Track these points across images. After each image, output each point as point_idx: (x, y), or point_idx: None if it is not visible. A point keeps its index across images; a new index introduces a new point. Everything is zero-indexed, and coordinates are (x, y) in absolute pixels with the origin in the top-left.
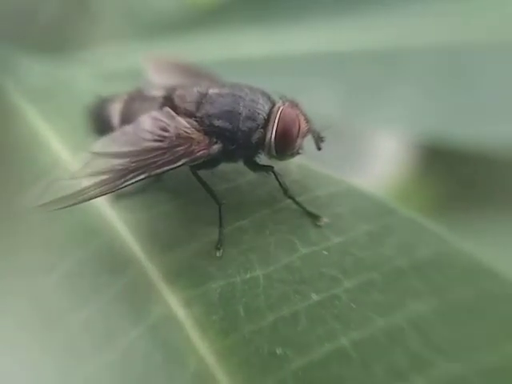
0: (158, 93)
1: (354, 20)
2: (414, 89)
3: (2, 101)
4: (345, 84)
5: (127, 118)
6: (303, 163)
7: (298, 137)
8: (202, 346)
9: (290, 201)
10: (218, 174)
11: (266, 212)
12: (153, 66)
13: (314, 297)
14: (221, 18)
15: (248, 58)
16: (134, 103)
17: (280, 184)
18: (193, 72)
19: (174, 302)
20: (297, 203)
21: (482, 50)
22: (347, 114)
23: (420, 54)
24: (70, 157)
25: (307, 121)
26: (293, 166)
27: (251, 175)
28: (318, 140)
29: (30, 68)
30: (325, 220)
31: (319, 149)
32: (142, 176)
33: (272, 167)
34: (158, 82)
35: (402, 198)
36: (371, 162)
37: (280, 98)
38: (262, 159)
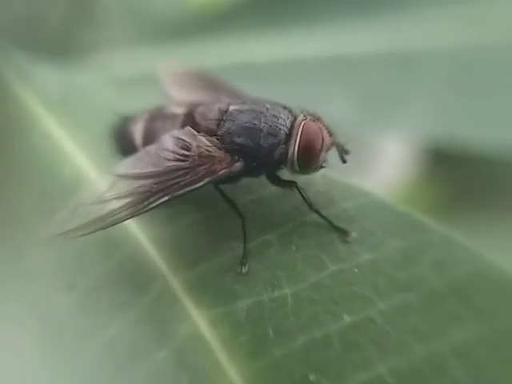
0: (179, 110)
1: (368, 23)
2: (424, 93)
3: (20, 110)
4: (357, 89)
5: (150, 138)
6: (327, 174)
7: (321, 151)
8: (230, 369)
9: (315, 214)
10: (240, 185)
11: (291, 225)
12: (171, 78)
13: (347, 318)
14: (231, 22)
15: (259, 63)
16: (156, 122)
17: (304, 199)
18: (212, 84)
19: (200, 320)
20: (323, 217)
21: (496, 53)
22: (359, 120)
23: (433, 57)
24: (92, 167)
25: (330, 134)
26: (317, 177)
27: (275, 187)
28: (343, 153)
29: (46, 75)
30: (353, 235)
31: (344, 162)
32: (166, 198)
33: (295, 183)
34: (177, 96)
35: (408, 201)
36: (376, 165)
37: (301, 112)
38: (285, 173)
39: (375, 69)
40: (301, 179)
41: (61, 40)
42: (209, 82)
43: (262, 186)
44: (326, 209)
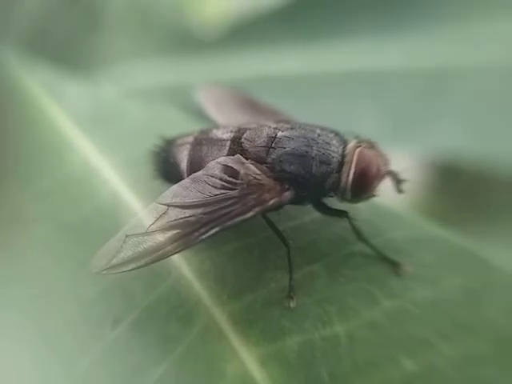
0: (225, 135)
1: (398, 37)
2: (451, 111)
3: (51, 129)
4: (383, 104)
5: (196, 164)
6: (373, 201)
7: (376, 180)
8: None
9: (362, 244)
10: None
11: (337, 255)
12: (210, 98)
13: (409, 365)
14: (256, 34)
15: (284, 77)
16: (202, 147)
17: (354, 228)
18: (252, 104)
19: (248, 358)
20: (372, 247)
21: None
22: (383, 135)
23: (461, 75)
24: (129, 191)
25: (386, 162)
26: (362, 204)
27: (316, 213)
28: (398, 182)
29: (74, 90)
30: (407, 268)
31: (400, 192)
32: (216, 229)
33: (346, 213)
34: (219, 118)
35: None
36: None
37: (355, 138)
38: (329, 200)
39: (402, 84)
40: (344, 206)
41: (75, 52)
42: (249, 102)
43: (302, 212)
44: (374, 238)
